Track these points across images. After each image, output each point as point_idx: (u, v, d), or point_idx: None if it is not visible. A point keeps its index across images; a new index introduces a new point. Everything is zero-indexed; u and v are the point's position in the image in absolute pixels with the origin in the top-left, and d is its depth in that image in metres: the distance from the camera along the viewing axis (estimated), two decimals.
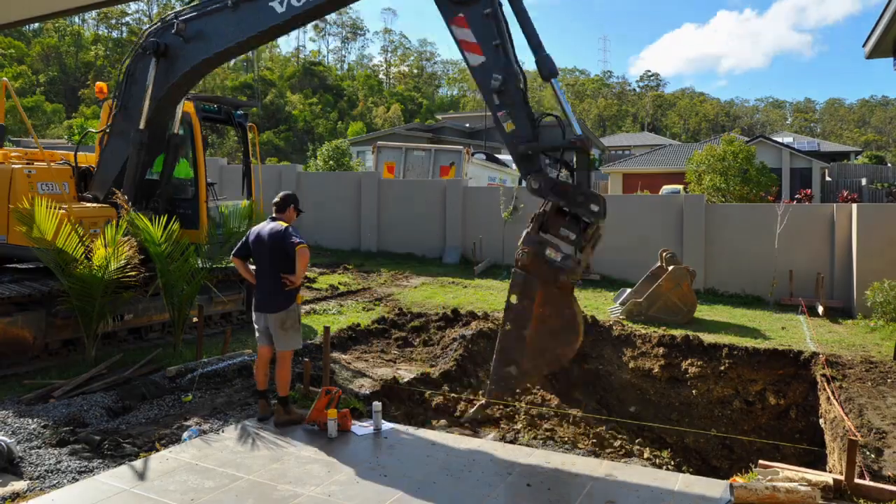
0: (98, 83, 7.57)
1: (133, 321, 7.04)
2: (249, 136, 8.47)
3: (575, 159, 5.08)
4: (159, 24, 6.54)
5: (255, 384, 5.28)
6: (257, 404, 5.27)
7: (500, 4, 5.21)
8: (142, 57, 6.55)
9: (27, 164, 6.83)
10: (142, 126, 6.54)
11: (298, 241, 4.84)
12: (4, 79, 7.36)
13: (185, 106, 7.44)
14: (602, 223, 5.09)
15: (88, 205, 6.80)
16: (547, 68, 5.07)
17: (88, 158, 7.47)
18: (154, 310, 7.20)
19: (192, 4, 6.46)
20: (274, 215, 5.15)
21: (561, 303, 5.01)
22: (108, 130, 6.94)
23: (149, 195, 7.08)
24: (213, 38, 6.22)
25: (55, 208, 5.98)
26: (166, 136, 7.12)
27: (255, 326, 5.13)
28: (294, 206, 5.14)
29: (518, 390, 5.61)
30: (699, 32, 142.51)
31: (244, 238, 5.21)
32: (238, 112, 8.42)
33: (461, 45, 5.28)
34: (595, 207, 4.95)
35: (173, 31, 6.29)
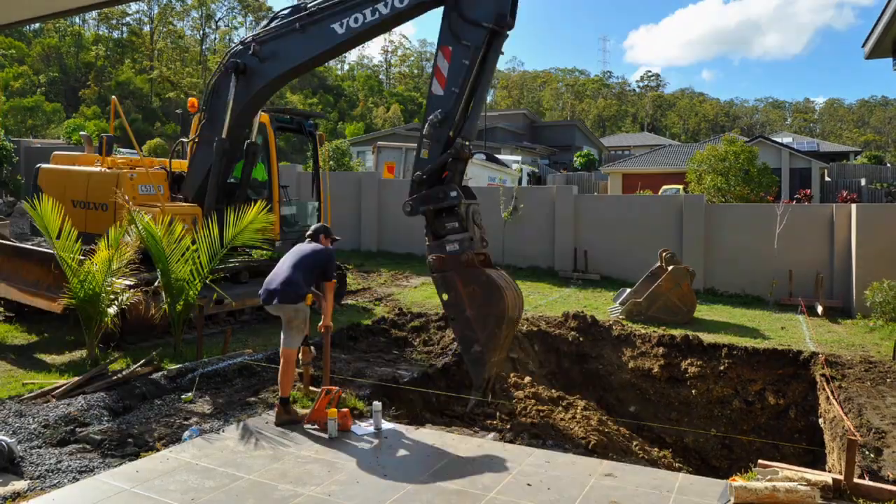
0: (190, 99, 8.52)
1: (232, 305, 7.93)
2: (319, 145, 9.43)
3: (449, 166, 5.84)
4: (240, 46, 7.44)
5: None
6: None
7: (481, 62, 5.84)
8: (224, 75, 7.41)
9: (130, 169, 7.88)
10: (223, 135, 7.40)
11: (334, 276, 5.31)
12: (114, 97, 8.85)
13: (261, 117, 8.36)
14: (469, 204, 5.76)
15: (179, 204, 7.80)
16: (467, 133, 5.93)
17: (182, 165, 8.49)
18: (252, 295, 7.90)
19: (268, 28, 7.29)
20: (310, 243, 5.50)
21: (477, 276, 5.71)
22: (196, 140, 7.85)
23: (230, 197, 7.94)
24: (285, 57, 7.09)
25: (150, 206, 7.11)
26: (245, 144, 8.02)
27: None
28: (325, 236, 5.50)
29: (492, 364, 5.96)
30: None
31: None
32: (309, 122, 9.40)
33: (435, 70, 5.96)
34: (453, 193, 5.68)
35: (250, 52, 7.14)
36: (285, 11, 7.26)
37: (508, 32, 5.99)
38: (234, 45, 7.54)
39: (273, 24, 7.23)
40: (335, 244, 5.62)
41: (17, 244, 8.11)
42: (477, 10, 5.86)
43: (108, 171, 7.87)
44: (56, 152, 9.36)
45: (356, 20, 6.55)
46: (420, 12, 6.68)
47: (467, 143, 5.86)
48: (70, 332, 7.28)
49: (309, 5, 6.99)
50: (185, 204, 7.83)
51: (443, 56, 5.90)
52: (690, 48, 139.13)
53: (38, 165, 8.60)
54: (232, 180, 8.23)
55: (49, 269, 6.75)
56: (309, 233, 5.52)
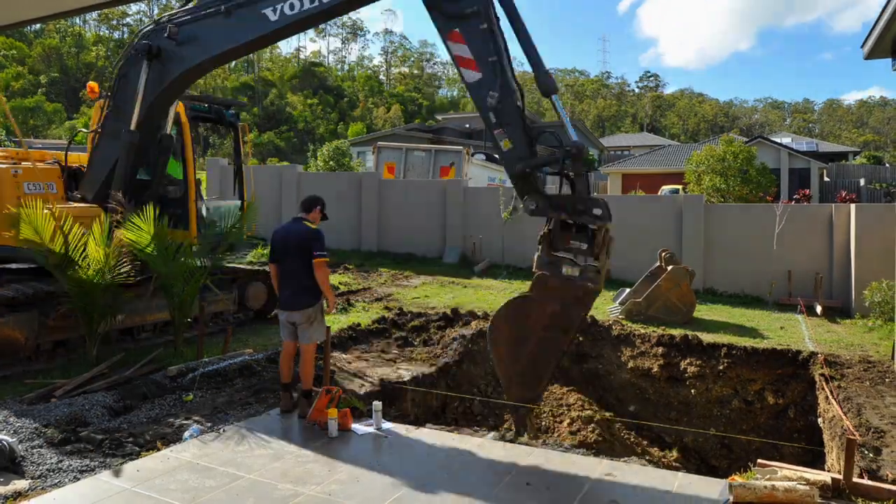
0: (90, 83, 7.49)
1: (127, 322, 7.02)
2: (241, 135, 8.40)
3: (571, 167, 4.99)
4: (152, 25, 6.52)
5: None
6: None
7: (498, 19, 5.12)
8: (134, 58, 6.51)
9: (14, 164, 6.79)
10: (133, 126, 6.49)
11: (319, 254, 5.00)
12: None
13: (176, 106, 7.30)
14: (610, 226, 5.01)
15: (75, 204, 6.74)
16: (547, 85, 5.04)
17: (81, 158, 7.41)
18: (154, 309, 7.22)
19: (186, 8, 6.45)
20: (299, 215, 5.26)
21: (573, 311, 5.04)
22: (99, 130, 6.90)
23: (139, 195, 6.91)
24: (207, 42, 6.20)
25: (41, 209, 5.93)
26: (157, 136, 7.04)
27: (281, 322, 5.29)
28: (320, 209, 5.24)
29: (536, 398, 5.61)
30: None
31: (272, 243, 5.31)
32: (230, 111, 8.32)
33: (457, 60, 5.20)
34: (598, 211, 4.88)
35: (166, 34, 6.23)
36: None
37: None
38: (145, 24, 6.53)
39: (193, 3, 6.41)
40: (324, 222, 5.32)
41: None
42: None
43: None
44: None
45: (292, 6, 5.72)
46: (364, 4, 5.94)
47: (584, 147, 5.02)
48: None
49: None
50: (82, 204, 6.77)
51: (454, 42, 5.15)
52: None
53: None
54: (141, 177, 7.20)
55: None
56: (303, 199, 5.34)
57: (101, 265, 5.95)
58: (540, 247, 5.11)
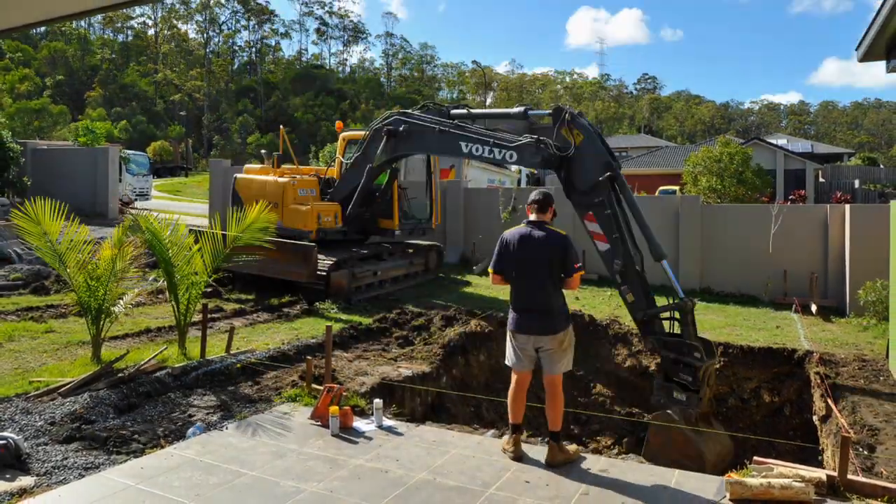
0: (338, 122, 12.58)
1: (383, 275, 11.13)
2: (432, 159, 12.23)
3: (681, 317, 6.11)
4: (397, 117, 9.67)
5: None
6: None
7: (620, 203, 6.57)
8: (378, 133, 9.84)
9: (292, 177, 10.95)
10: (374, 165, 10.08)
11: (578, 266, 4.40)
12: (281, 127, 13.43)
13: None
14: (711, 364, 5.99)
15: (325, 203, 10.81)
16: (657, 253, 6.36)
17: (329, 172, 11.85)
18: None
19: (417, 114, 9.38)
20: (533, 218, 4.51)
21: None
22: (350, 163, 10.72)
23: (367, 202, 10.85)
24: (420, 144, 9.48)
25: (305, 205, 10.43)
26: (388, 169, 10.75)
27: (513, 350, 4.55)
28: (552, 206, 4.58)
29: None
30: None
31: (497, 249, 4.56)
32: None
33: (592, 235, 6.69)
34: (698, 354, 5.88)
35: (402, 128, 9.38)
36: (431, 106, 9.60)
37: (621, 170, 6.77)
38: (391, 112, 10.11)
39: (422, 112, 9.42)
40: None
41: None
42: (589, 176, 6.72)
43: (278, 179, 10.85)
44: (247, 165, 12.64)
45: (477, 150, 8.28)
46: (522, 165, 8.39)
47: (689, 299, 6.15)
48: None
49: (451, 112, 9.08)
50: (328, 203, 10.79)
51: (589, 222, 6.69)
52: None
53: (235, 175, 11.61)
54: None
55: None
56: (536, 199, 4.54)
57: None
58: (656, 375, 6.37)
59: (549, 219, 4.59)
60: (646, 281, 6.47)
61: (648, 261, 6.55)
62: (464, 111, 9.35)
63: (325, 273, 9.65)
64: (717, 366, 8.01)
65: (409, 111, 9.74)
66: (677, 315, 6.15)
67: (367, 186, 10.34)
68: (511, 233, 4.57)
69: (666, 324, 6.28)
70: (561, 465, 4.39)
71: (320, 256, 9.73)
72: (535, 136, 7.59)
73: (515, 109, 8.40)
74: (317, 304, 9.51)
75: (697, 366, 5.88)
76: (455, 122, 8.82)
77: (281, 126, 12.84)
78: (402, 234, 11.39)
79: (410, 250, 12.13)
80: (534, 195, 4.63)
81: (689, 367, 5.94)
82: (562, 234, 4.48)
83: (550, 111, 7.49)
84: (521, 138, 7.79)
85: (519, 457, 4.52)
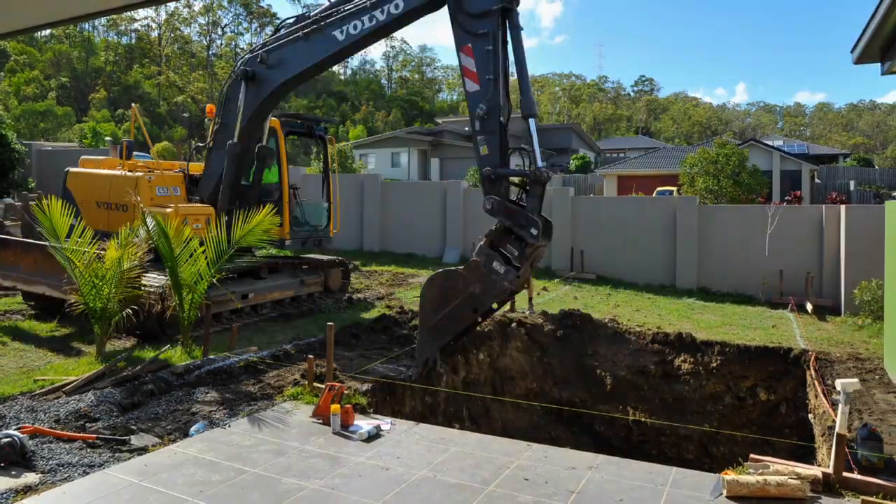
0: (209, 105, 9.04)
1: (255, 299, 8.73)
2: (329, 147, 9.91)
3: (530, 186, 5.79)
4: (249, 54, 7.85)
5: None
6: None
7: (504, 44, 5.91)
8: (235, 82, 7.85)
9: (149, 171, 8.42)
10: (235, 139, 7.75)
11: None
12: (134, 105, 9.64)
13: (272, 122, 8.66)
14: (542, 243, 5.73)
15: (193, 205, 8.27)
16: (528, 109, 5.90)
17: (199, 168, 8.96)
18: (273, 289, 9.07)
19: (273, 37, 7.71)
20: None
21: (486, 298, 5.96)
22: (210, 144, 8.32)
23: (242, 198, 8.27)
24: (290, 64, 7.45)
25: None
26: (256, 147, 8.24)
27: None
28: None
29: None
30: None
31: None
32: (319, 126, 9.77)
33: (463, 71, 6.05)
34: (534, 231, 5.64)
35: (258, 60, 7.52)
36: (290, 20, 7.68)
37: (518, 7, 6.07)
38: (243, 53, 7.90)
39: (280, 33, 7.63)
40: None
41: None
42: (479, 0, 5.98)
43: (128, 174, 8.34)
44: (83, 157, 9.78)
45: (355, 27, 6.87)
46: (417, 17, 6.80)
47: (545, 169, 5.87)
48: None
49: (311, 14, 7.38)
50: (198, 205, 8.25)
51: (465, 55, 6.05)
52: None
53: (67, 168, 9.02)
54: (244, 182, 8.53)
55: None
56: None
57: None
58: (484, 239, 5.96)
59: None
60: (506, 136, 6.04)
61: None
62: (324, 2, 7.57)
63: (156, 298, 6.97)
64: (714, 364, 8.08)
65: (263, 42, 7.98)
66: (526, 184, 5.83)
67: (233, 173, 7.99)
68: None
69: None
70: None
71: (151, 275, 7.15)
72: None
73: None
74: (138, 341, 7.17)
75: (530, 242, 5.67)
76: (315, 15, 7.32)
77: (133, 104, 9.33)
78: (294, 244, 9.10)
79: (305, 266, 9.66)
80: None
81: (520, 242, 5.73)
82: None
83: None
84: None
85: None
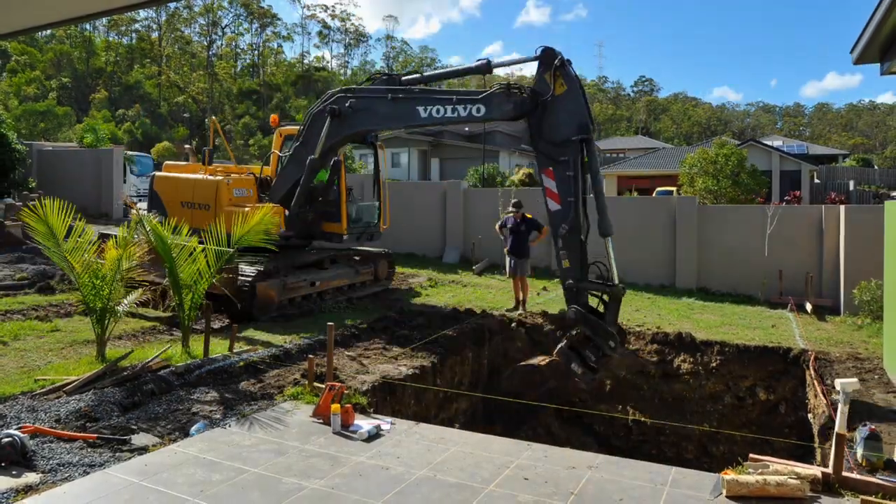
0: (273, 115, 10.34)
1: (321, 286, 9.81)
2: (379, 153, 10.83)
3: (608, 300, 6.16)
4: (340, 94, 8.63)
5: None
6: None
7: (583, 167, 6.39)
8: (321, 113, 8.72)
9: (227, 175, 9.68)
10: (317, 156, 8.78)
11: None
12: (213, 118, 11.36)
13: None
14: (617, 357, 6.21)
15: (266, 205, 8.97)
16: (604, 230, 6.24)
17: (264, 171, 10.38)
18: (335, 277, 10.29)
19: (363, 87, 8.62)
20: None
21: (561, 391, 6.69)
22: (289, 155, 9.36)
23: (310, 200, 9.61)
24: (373, 116, 8.34)
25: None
26: (332, 162, 9.59)
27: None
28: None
29: None
30: None
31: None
32: (371, 134, 10.34)
33: (546, 191, 6.53)
34: (612, 344, 6.07)
35: (347, 104, 8.37)
36: (384, 77, 8.68)
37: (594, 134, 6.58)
38: (333, 91, 8.89)
39: (369, 84, 8.64)
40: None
41: None
42: (561, 130, 6.43)
43: (209, 177, 9.59)
44: (167, 162, 11.11)
45: (437, 111, 7.56)
46: (494, 120, 7.69)
47: (622, 286, 6.26)
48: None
49: (403, 79, 8.29)
50: (270, 204, 9.07)
51: (547, 177, 6.49)
52: None
53: (153, 173, 10.37)
54: (313, 184, 9.62)
55: None
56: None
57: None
58: (566, 339, 6.37)
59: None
60: (585, 252, 6.44)
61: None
62: (416, 76, 8.52)
63: (248, 285, 8.28)
64: (714, 364, 8.10)
65: (355, 87, 8.80)
66: (606, 297, 6.22)
67: (309, 182, 9.04)
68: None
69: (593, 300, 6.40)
70: None
71: (242, 266, 8.33)
72: (505, 83, 7.02)
73: (476, 63, 7.52)
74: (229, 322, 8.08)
75: (607, 354, 6.08)
76: (408, 87, 8.04)
77: (212, 116, 11.14)
78: (350, 239, 10.17)
79: (357, 258, 10.89)
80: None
81: (598, 350, 6.09)
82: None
83: (539, 52, 6.62)
84: (486, 90, 7.12)
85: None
